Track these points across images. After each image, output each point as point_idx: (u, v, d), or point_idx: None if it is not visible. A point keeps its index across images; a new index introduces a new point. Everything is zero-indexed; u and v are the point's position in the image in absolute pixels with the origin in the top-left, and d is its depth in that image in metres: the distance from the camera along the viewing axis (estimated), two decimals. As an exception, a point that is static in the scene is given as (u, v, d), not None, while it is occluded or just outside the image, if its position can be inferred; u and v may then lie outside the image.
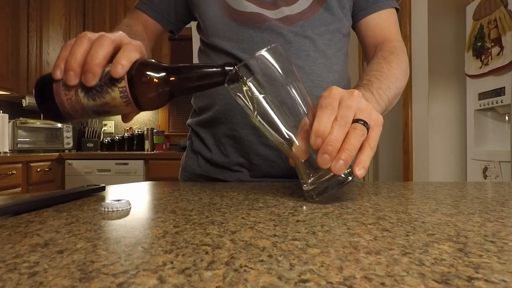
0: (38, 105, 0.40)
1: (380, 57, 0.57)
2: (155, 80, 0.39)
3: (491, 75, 1.70)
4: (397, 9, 0.66)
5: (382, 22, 0.64)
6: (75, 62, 0.36)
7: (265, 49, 0.35)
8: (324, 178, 0.35)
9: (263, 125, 0.37)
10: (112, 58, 0.38)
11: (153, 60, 0.40)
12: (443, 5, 2.08)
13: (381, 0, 0.63)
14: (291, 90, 0.36)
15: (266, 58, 0.35)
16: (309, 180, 0.37)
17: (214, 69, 0.39)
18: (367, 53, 0.66)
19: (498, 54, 1.64)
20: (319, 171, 0.35)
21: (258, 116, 0.36)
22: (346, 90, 0.37)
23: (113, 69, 0.36)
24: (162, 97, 0.40)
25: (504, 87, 1.60)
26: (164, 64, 0.40)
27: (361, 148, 0.34)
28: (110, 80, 0.37)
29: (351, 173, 0.35)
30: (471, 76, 1.86)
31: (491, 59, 1.69)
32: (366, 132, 0.34)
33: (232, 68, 0.37)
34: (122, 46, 0.38)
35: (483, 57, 1.75)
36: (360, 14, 0.64)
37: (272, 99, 0.36)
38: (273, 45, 0.36)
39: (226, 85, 0.38)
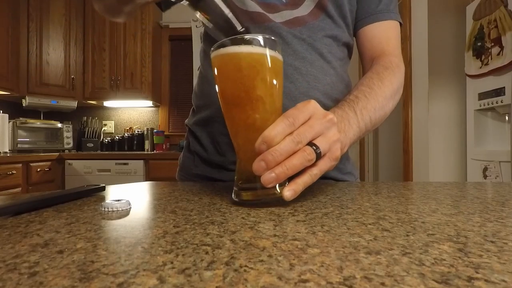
0: None
1: (374, 71, 0.57)
2: None
3: (491, 75, 1.70)
4: (400, 24, 0.64)
5: (380, 33, 0.62)
6: None
7: None
8: (251, 185, 0.34)
9: None
10: None
11: None
12: (443, 5, 2.08)
13: (382, 11, 0.62)
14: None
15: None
16: (239, 182, 0.36)
17: None
18: (364, 65, 0.65)
19: (498, 54, 1.64)
20: (252, 177, 0.33)
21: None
22: (323, 110, 0.35)
23: None
24: None
25: (504, 87, 1.60)
26: None
27: (301, 172, 0.33)
28: None
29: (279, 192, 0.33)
30: (471, 76, 1.86)
31: (491, 59, 1.69)
32: (314, 160, 0.33)
33: None
34: None
35: (483, 57, 1.75)
36: (358, 24, 0.64)
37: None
38: None
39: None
